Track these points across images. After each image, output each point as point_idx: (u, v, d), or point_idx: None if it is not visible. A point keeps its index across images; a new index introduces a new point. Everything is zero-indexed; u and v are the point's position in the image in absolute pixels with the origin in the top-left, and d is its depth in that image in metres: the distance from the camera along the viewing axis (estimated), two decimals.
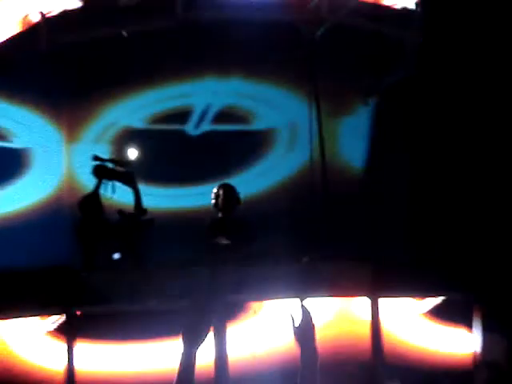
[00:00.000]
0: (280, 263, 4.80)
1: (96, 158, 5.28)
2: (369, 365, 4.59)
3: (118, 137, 6.76)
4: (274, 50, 5.24)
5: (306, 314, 2.23)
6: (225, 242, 5.14)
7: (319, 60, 4.95)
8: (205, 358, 4.71)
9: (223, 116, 6.68)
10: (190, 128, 6.77)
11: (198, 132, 6.82)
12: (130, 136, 6.76)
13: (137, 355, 4.46)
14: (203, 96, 6.71)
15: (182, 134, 6.93)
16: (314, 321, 2.24)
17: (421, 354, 4.70)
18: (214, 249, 5.08)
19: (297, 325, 2.20)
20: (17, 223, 6.05)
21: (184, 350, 2.15)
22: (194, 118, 6.70)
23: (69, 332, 4.42)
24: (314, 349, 2.19)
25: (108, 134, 6.82)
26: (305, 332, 2.19)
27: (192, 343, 2.14)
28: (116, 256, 5.02)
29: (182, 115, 6.82)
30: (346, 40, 5.17)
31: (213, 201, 5.32)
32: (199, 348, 2.17)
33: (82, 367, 4.31)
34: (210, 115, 6.70)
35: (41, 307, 4.81)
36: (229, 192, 5.32)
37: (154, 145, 6.81)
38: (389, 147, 5.23)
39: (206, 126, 6.74)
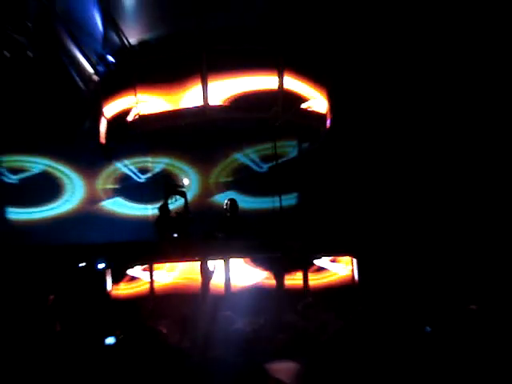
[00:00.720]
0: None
1: (167, 183, 9.62)
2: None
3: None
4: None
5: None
6: (221, 235, 8.86)
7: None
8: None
9: None
10: None
11: None
12: None
13: None
14: None
15: None
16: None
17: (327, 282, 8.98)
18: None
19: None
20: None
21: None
22: None
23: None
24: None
25: None
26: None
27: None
28: (175, 235, 9.09)
29: None
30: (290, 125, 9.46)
31: (224, 206, 9.17)
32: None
33: None
34: None
35: (136, 260, 8.90)
36: (233, 202, 9.14)
37: None
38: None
39: None
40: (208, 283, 8.30)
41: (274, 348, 6.09)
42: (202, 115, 8.85)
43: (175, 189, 9.24)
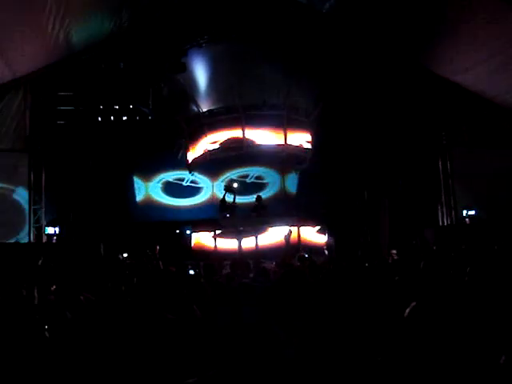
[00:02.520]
0: None
1: (226, 185, 16.92)
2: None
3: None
4: None
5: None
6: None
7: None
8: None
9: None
10: None
11: None
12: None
13: None
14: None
15: None
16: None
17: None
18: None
19: None
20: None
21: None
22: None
23: None
24: None
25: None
26: None
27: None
28: (227, 215, 16.63)
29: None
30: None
31: (255, 199, 16.75)
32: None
33: None
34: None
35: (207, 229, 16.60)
36: (259, 197, 16.78)
37: None
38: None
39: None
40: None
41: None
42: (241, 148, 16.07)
43: (229, 188, 16.45)
